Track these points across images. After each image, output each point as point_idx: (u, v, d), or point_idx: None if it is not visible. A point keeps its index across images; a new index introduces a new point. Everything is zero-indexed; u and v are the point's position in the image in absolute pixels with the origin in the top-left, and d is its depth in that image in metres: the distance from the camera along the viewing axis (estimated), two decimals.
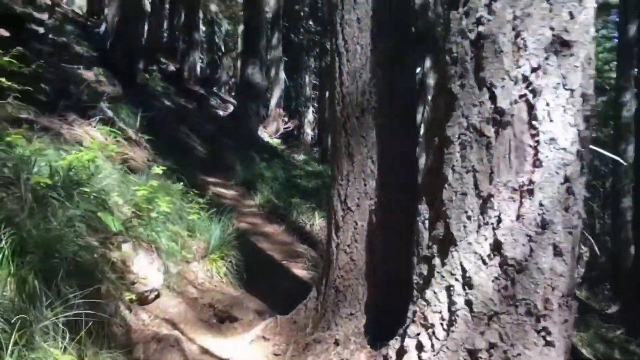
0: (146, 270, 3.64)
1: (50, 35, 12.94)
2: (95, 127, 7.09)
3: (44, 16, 16.45)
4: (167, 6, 25.15)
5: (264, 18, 15.41)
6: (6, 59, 5.70)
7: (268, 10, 20.30)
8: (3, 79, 5.47)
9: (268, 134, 18.66)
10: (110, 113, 8.81)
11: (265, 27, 15.99)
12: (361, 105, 3.44)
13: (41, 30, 12.83)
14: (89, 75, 11.34)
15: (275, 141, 18.21)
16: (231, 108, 18.94)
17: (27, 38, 11.49)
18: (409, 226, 3.19)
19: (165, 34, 28.80)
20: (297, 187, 10.02)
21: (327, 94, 25.17)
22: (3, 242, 2.63)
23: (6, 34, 10.85)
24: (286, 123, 19.42)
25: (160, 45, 27.23)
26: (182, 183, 6.16)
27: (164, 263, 3.96)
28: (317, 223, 7.59)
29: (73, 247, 2.97)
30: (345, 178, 3.46)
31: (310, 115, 32.31)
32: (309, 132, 30.82)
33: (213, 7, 24.50)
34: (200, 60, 23.85)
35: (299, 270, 5.74)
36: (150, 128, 9.43)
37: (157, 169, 5.03)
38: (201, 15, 24.00)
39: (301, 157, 17.73)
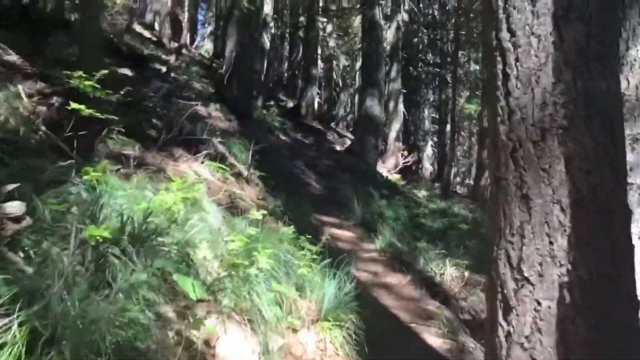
0: (237, 352, 2.67)
1: (172, 74, 12.92)
2: (203, 162, 6.42)
3: (171, 57, 16.79)
4: (287, 44, 25.25)
5: (382, 49, 14.55)
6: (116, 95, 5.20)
7: (386, 43, 19.56)
8: (109, 115, 4.92)
9: (387, 168, 17.61)
10: (221, 147, 8.22)
11: (384, 58, 15.10)
12: (541, 123, 2.27)
13: (164, 69, 12.82)
14: (205, 111, 11.00)
15: (394, 177, 17.11)
16: (348, 143, 18.17)
17: (150, 77, 11.43)
18: (633, 312, 1.97)
19: (285, 72, 29.03)
20: (421, 228, 8.81)
21: (484, 124, 23.77)
22: (15, 330, 1.75)
23: (129, 72, 10.80)
24: (405, 157, 18.27)
25: (280, 82, 27.43)
26: (292, 227, 5.25)
27: (263, 338, 2.97)
28: (448, 272, 6.34)
29: (125, 332, 2.04)
30: (518, 233, 2.28)
31: (429, 150, 30.88)
32: (428, 166, 29.38)
33: (331, 43, 24.16)
34: (318, 96, 23.46)
35: (433, 338, 4.53)
36: (264, 164, 8.73)
37: (257, 214, 4.10)
38: (319, 51, 23.73)
39: (422, 193, 16.44)
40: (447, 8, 27.01)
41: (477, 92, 31.12)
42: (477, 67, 32.30)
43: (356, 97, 30.67)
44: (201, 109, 10.97)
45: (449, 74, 27.31)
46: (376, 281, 5.83)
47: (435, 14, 27.01)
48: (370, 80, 13.81)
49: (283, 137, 12.41)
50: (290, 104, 21.86)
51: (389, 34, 18.32)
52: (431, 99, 32.68)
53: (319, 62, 24.37)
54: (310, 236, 5.18)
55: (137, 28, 16.93)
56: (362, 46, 14.51)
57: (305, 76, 21.51)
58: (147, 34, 17.06)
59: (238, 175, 7.23)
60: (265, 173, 8.08)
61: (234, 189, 6.24)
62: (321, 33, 22.36)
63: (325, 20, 22.32)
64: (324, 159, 12.19)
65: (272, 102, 15.19)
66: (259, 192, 6.89)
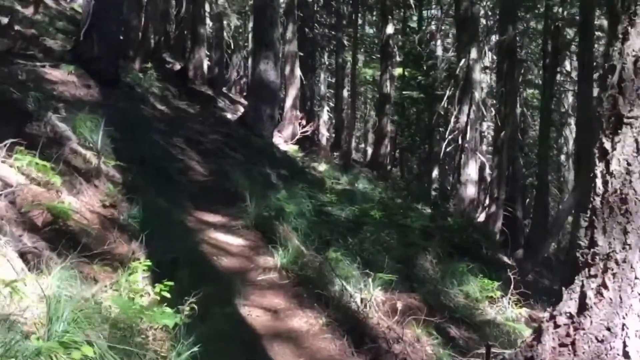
0: None
1: (17, 28, 10.00)
2: (11, 155, 4.09)
3: (29, 11, 13.56)
4: None
5: (277, 3, 12.35)
6: None
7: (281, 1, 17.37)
8: None
9: (283, 139, 15.65)
10: (61, 126, 5.84)
11: (279, 15, 12.94)
12: None
13: (5, 20, 9.89)
14: (55, 74, 8.38)
15: (292, 148, 15.19)
16: (242, 110, 15.97)
17: None
18: None
19: (172, 31, 25.89)
20: (330, 222, 7.00)
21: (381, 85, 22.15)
22: None
23: None
24: (303, 127, 16.38)
25: (167, 42, 24.32)
26: (144, 261, 3.19)
27: None
28: (374, 298, 4.58)
29: None
30: None
31: (325, 116, 29.22)
32: (324, 133, 27.79)
33: (220, 0, 21.42)
34: (207, 59, 20.80)
35: None
36: (127, 146, 6.47)
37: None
38: (207, 8, 20.97)
39: (322, 166, 14.70)
40: None
41: (374, 57, 29.76)
42: (373, 31, 30.89)
43: (249, 61, 28.21)
44: (51, 72, 8.34)
45: (345, 37, 25.57)
46: (277, 327, 3.92)
47: None
48: (265, 41, 11.63)
49: (161, 107, 10.02)
50: (178, 67, 19.12)
51: None
52: (327, 63, 30.93)
53: (207, 20, 21.61)
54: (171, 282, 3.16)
55: None
56: (254, 1, 12.23)
57: (192, 36, 18.81)
58: None
59: (81, 170, 4.95)
60: (125, 161, 5.84)
61: (62, 197, 4.00)
62: None
63: None
64: (212, 132, 9.97)
65: (148, 64, 12.58)
66: (107, 194, 4.68)
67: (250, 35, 25.78)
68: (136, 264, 3.65)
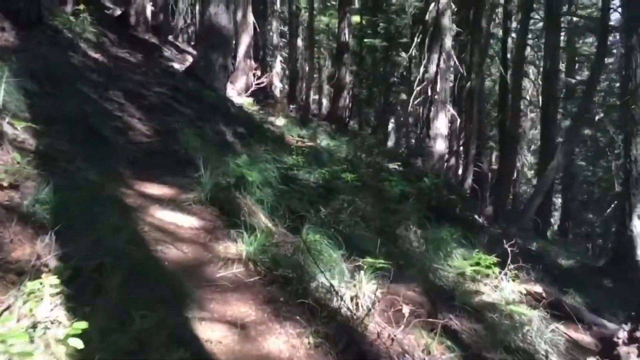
0: None
1: None
2: None
3: None
4: None
5: None
6: None
7: None
8: None
9: (237, 91, 14.24)
10: None
11: None
12: None
13: None
14: None
15: (246, 101, 13.83)
16: (189, 60, 14.39)
17: None
18: None
19: None
20: (301, 192, 5.88)
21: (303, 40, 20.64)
22: None
23: None
24: (258, 77, 14.96)
25: None
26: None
27: None
28: (367, 295, 3.54)
29: None
30: None
31: (278, 66, 27.52)
32: (278, 84, 26.21)
33: None
34: (151, 4, 18.76)
35: None
36: (48, 102, 5.11)
37: None
38: None
39: (281, 120, 13.44)
40: None
41: (329, 3, 28.02)
42: None
43: (197, 6, 26.06)
44: None
45: None
46: (247, 354, 2.82)
47: None
48: None
49: (95, 56, 8.46)
50: (119, 13, 17.09)
51: None
52: (279, 11, 29.08)
53: None
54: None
55: None
56: None
57: None
58: None
59: None
60: (42, 122, 4.50)
61: None
62: None
63: None
64: (156, 85, 8.53)
65: (83, 7, 10.80)
66: (7, 171, 3.37)
67: None
68: (42, 278, 2.47)
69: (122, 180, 4.79)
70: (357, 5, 19.57)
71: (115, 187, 4.42)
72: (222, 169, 5.18)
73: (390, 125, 30.17)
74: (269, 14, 25.50)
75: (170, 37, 20.12)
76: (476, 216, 9.55)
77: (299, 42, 25.56)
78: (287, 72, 28.14)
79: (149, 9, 17.02)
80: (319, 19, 26.03)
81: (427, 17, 11.73)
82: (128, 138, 5.98)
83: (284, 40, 30.97)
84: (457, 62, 11.87)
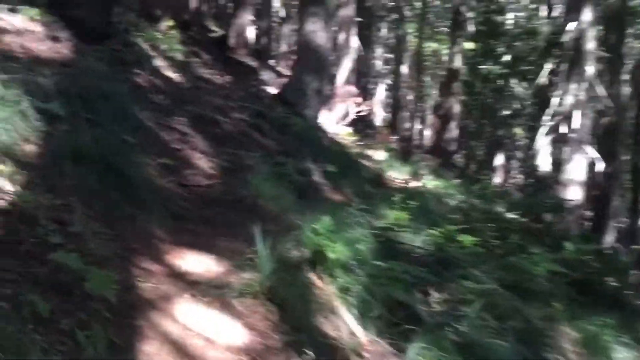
0: None
1: None
2: None
3: None
4: None
5: None
6: None
7: None
8: None
9: (333, 119, 12.68)
10: None
11: None
12: None
13: None
14: (9, 22, 5.68)
15: (343, 131, 12.25)
16: None
17: None
18: None
19: None
20: (402, 270, 4.04)
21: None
22: None
23: None
24: (359, 105, 13.34)
25: (216, 6, 21.66)
26: None
27: None
28: None
29: None
30: None
31: (381, 94, 25.89)
32: (379, 113, 24.52)
33: None
34: (255, 27, 17.88)
35: None
36: (79, 132, 3.71)
37: None
38: None
39: (381, 153, 11.69)
40: None
41: (437, 29, 26.08)
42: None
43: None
44: (3, 18, 5.65)
45: (406, 7, 22.12)
46: None
47: None
48: None
49: (171, 75, 7.21)
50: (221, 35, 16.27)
51: None
52: (384, 37, 27.59)
53: None
54: None
55: None
56: None
57: None
58: None
59: None
60: (48, 156, 3.08)
61: None
62: None
63: None
64: (237, 110, 7.10)
65: (173, 24, 9.80)
66: None
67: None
68: None
69: (149, 248, 3.23)
70: (470, 29, 17.50)
71: (126, 261, 2.86)
72: (293, 236, 3.49)
73: (499, 161, 27.34)
74: (373, 40, 24.07)
75: (271, 62, 19.20)
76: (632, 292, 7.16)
77: (404, 69, 23.77)
78: (389, 100, 26.47)
79: (251, 31, 16.08)
80: (427, 45, 24.20)
81: (563, 39, 9.52)
82: (180, 179, 4.47)
83: (387, 67, 29.39)
84: (603, 94, 9.53)
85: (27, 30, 5.44)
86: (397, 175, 10.21)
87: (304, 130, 7.59)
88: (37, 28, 5.58)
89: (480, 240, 5.45)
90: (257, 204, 4.45)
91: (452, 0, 16.54)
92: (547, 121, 9.64)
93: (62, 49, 5.44)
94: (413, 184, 9.39)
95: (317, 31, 8.64)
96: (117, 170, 3.50)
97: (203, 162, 5.07)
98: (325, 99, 9.61)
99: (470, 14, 16.66)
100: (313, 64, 8.63)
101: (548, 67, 10.17)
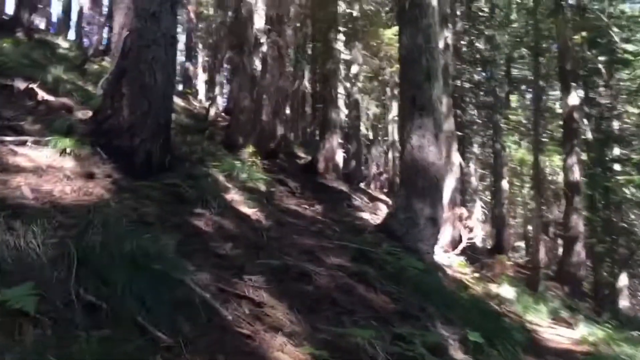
0: None
1: (42, 94, 6.30)
2: None
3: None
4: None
5: (437, 47, 7.66)
6: None
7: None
8: None
9: (443, 249, 10.47)
10: None
11: (439, 54, 8.37)
12: None
13: (22, 85, 6.25)
14: (34, 156, 4.26)
15: (455, 261, 9.98)
16: (382, 210, 11.24)
17: None
18: None
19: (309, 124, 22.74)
20: None
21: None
22: None
23: None
24: (469, 229, 11.10)
25: (304, 133, 20.97)
26: None
27: None
28: None
29: None
30: None
31: (478, 212, 23.34)
32: (479, 233, 21.80)
33: (358, 84, 17.52)
34: (343, 150, 16.63)
35: None
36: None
37: None
38: (342, 91, 17.08)
39: (505, 288, 9.17)
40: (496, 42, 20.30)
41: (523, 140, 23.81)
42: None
43: (390, 153, 23.76)
44: (26, 153, 4.23)
45: (502, 119, 20.27)
46: None
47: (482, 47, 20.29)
48: (419, 102, 6.99)
49: (247, 211, 5.48)
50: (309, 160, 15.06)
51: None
52: (478, 152, 25.69)
53: (342, 106, 17.71)
54: None
55: None
56: (399, 39, 7.62)
57: (322, 122, 14.86)
58: None
59: None
60: None
61: None
62: (344, 71, 15.69)
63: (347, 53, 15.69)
64: (333, 253, 5.17)
65: (253, 150, 8.43)
66: None
67: (391, 128, 21.55)
68: None
69: None
70: (587, 136, 15.21)
71: None
72: None
73: (623, 282, 23.10)
74: (467, 156, 22.20)
75: (361, 185, 17.66)
76: None
77: (504, 184, 21.36)
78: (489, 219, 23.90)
79: (340, 155, 14.75)
80: (522, 155, 21.95)
81: None
82: None
83: (483, 183, 27.17)
84: None
85: (51, 167, 3.97)
86: (538, 320, 7.67)
87: (422, 274, 5.47)
88: (68, 163, 4.12)
89: None
90: None
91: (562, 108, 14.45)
92: None
93: (96, 189, 3.88)
94: (563, 331, 6.87)
95: (426, 146, 6.84)
96: None
97: (287, 353, 3.05)
98: (439, 229, 7.52)
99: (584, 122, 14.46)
100: (423, 187, 6.73)
101: None
